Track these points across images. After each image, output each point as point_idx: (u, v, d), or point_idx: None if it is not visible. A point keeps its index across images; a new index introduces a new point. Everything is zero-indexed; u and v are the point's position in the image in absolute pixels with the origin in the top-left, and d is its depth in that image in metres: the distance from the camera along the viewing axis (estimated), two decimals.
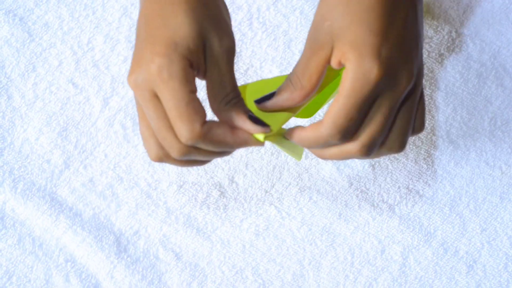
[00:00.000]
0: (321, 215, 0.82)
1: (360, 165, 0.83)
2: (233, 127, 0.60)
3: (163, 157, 0.62)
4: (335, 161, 0.82)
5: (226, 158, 0.82)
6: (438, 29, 0.87)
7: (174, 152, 0.60)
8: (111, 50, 0.84)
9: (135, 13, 0.85)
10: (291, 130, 0.62)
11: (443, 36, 0.86)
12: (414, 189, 0.83)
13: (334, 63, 0.59)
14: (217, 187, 0.82)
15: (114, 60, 0.84)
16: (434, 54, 0.86)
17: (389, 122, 0.60)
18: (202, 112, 0.59)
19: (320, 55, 0.59)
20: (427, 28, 0.86)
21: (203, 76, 0.60)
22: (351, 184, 0.83)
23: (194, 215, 0.81)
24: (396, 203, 0.82)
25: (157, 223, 0.81)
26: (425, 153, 0.84)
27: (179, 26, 0.58)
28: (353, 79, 0.57)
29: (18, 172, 0.81)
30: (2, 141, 0.81)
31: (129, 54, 0.84)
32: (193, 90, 0.58)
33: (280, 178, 0.82)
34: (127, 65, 0.84)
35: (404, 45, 0.59)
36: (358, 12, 0.58)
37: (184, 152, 0.60)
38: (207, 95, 0.61)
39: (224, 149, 0.61)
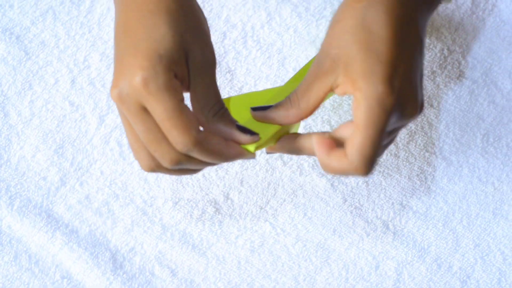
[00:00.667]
0: (315, 231, 0.82)
1: (354, 181, 0.83)
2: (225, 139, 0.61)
3: (155, 167, 0.62)
4: (329, 177, 0.83)
5: (221, 174, 0.83)
6: (431, 46, 0.87)
7: (166, 162, 0.60)
8: (107, 68, 0.85)
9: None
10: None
11: (435, 54, 0.87)
12: (408, 205, 0.83)
13: (339, 92, 0.59)
14: (212, 203, 0.82)
15: (110, 78, 0.84)
16: (426, 71, 0.87)
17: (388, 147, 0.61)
18: (195, 120, 0.59)
19: (323, 81, 0.59)
20: None
21: (187, 89, 0.60)
22: (345, 201, 0.83)
23: (190, 232, 0.81)
24: (390, 219, 0.83)
25: (153, 239, 0.81)
26: (418, 170, 0.84)
27: (162, 38, 0.57)
28: (369, 108, 0.57)
29: (15, 189, 0.81)
30: None
31: None
32: (182, 99, 0.58)
33: (275, 194, 0.83)
34: None
35: (412, 78, 0.59)
36: (366, 42, 0.58)
37: (176, 161, 0.60)
38: (192, 107, 0.60)
39: (217, 160, 0.60)
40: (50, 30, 0.85)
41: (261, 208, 0.82)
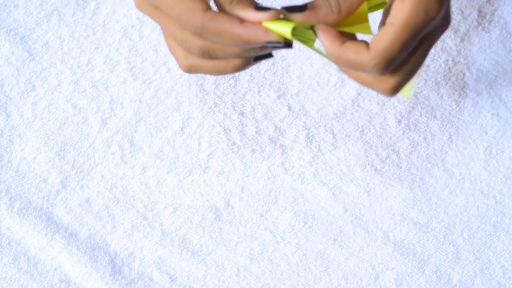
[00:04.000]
0: (315, 240, 0.80)
1: (356, 191, 0.81)
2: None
3: (191, 66, 0.57)
4: (331, 186, 0.81)
5: (222, 181, 0.80)
6: (435, 57, 0.85)
7: (195, 51, 0.55)
8: (111, 71, 0.82)
9: (135, 35, 0.83)
10: (326, 39, 0.55)
11: (440, 65, 0.85)
12: (409, 216, 0.81)
13: None
14: (213, 210, 0.80)
15: (113, 81, 0.82)
16: (430, 82, 0.84)
17: (424, 60, 0.56)
18: (202, 1, 0.54)
19: None
20: None
21: None
22: (346, 210, 0.81)
23: (189, 238, 0.79)
24: (390, 230, 0.80)
25: (152, 245, 0.78)
26: (420, 181, 0.82)
27: None
28: (413, 12, 0.53)
29: (15, 191, 0.79)
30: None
31: (128, 75, 0.82)
32: None
33: (275, 202, 0.80)
34: (126, 86, 0.82)
35: None
36: None
37: (202, 47, 0.55)
38: None
39: (232, 41, 0.53)
40: (55, 32, 0.83)
41: (262, 216, 0.80)
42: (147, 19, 0.83)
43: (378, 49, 0.54)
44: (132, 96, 0.82)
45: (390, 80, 0.56)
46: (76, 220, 0.78)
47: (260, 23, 0.54)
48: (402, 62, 0.56)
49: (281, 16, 0.55)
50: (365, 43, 0.55)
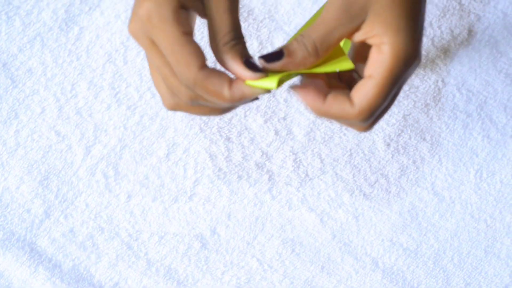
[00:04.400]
0: (303, 268, 0.78)
1: (344, 217, 0.80)
2: (234, 78, 0.54)
3: (176, 105, 0.56)
4: (319, 212, 0.79)
5: (208, 208, 0.79)
6: (425, 78, 0.83)
7: (183, 97, 0.54)
8: (95, 97, 0.81)
9: (119, 60, 0.82)
10: (306, 98, 0.55)
11: (429, 86, 0.83)
12: (398, 242, 0.79)
13: (358, 38, 0.54)
14: (199, 238, 0.78)
15: (97, 107, 0.81)
16: (420, 104, 0.83)
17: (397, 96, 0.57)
18: (199, 55, 0.53)
19: (348, 27, 0.54)
20: (413, 78, 0.83)
21: (203, 15, 0.54)
22: (334, 236, 0.79)
23: (175, 267, 0.78)
24: (379, 256, 0.79)
25: (138, 275, 0.77)
26: (409, 205, 0.80)
27: None
28: (394, 64, 0.53)
29: None
30: None
31: (113, 101, 0.81)
32: (187, 32, 0.52)
33: (262, 229, 0.79)
34: (111, 113, 0.81)
35: (422, 32, 0.56)
36: None
37: (191, 97, 0.54)
38: (208, 35, 0.55)
39: (219, 101, 0.53)
40: (38, 58, 0.82)
41: (248, 244, 0.79)
42: (131, 44, 0.82)
43: (363, 104, 0.54)
44: (117, 123, 0.80)
45: (366, 124, 0.56)
46: (59, 250, 0.77)
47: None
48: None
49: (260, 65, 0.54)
50: (347, 94, 0.55)
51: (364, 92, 0.54)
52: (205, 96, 0.53)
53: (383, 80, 0.53)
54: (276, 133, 0.81)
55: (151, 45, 0.53)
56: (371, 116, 0.55)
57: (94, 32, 0.83)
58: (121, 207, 0.78)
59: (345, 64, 0.56)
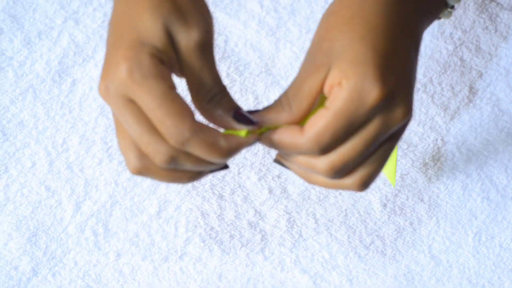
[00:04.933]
0: None
1: (338, 279, 0.78)
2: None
3: (143, 169, 0.54)
4: (312, 274, 0.78)
5: (199, 268, 0.77)
6: (424, 136, 0.81)
7: (161, 158, 0.52)
8: (86, 151, 0.80)
9: (112, 113, 0.81)
10: (268, 131, 0.54)
11: (428, 144, 0.81)
12: None
13: (327, 88, 0.52)
14: None
15: (88, 162, 0.80)
16: (418, 163, 0.81)
17: (368, 152, 0.53)
18: (189, 108, 0.51)
19: (315, 77, 0.53)
20: (412, 136, 0.81)
21: (181, 74, 0.53)
22: None
23: None
24: None
25: None
26: (405, 269, 0.78)
27: (144, 25, 0.51)
28: (348, 97, 0.51)
29: None
30: None
31: (105, 156, 0.80)
32: (172, 87, 0.51)
33: None
34: (102, 168, 0.79)
35: (405, 77, 0.52)
36: (361, 31, 0.52)
37: (171, 157, 0.52)
38: (189, 93, 0.54)
39: (215, 153, 0.52)
40: (30, 110, 0.81)
41: None
42: None
43: (311, 133, 0.52)
44: (108, 178, 0.79)
45: (323, 163, 0.54)
46: None
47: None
48: (339, 145, 0.54)
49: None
50: (300, 126, 0.54)
51: (315, 121, 0.52)
52: (197, 150, 0.52)
53: (334, 113, 0.51)
54: (270, 191, 0.79)
55: (127, 104, 0.51)
56: (321, 148, 0.52)
57: (87, 84, 0.81)
58: (110, 265, 0.77)
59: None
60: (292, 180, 0.79)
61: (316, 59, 0.53)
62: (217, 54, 0.83)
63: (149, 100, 0.51)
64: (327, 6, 0.79)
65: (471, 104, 0.83)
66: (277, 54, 0.83)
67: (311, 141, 0.52)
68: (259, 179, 0.79)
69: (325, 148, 0.53)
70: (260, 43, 0.83)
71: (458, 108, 0.82)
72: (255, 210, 0.79)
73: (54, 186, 0.78)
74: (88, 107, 0.81)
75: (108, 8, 0.84)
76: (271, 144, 0.54)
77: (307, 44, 0.84)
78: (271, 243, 0.78)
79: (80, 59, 0.82)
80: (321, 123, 0.52)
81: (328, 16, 0.55)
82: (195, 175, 0.56)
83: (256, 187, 0.79)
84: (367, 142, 0.53)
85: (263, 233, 0.78)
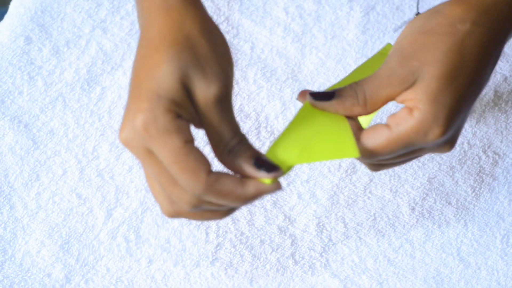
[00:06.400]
0: None
1: (368, 283, 0.79)
2: (243, 177, 0.54)
3: (175, 213, 0.56)
4: (342, 278, 0.79)
5: (230, 273, 0.79)
6: None
7: (185, 206, 0.53)
8: (116, 159, 0.81)
9: None
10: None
11: (455, 148, 0.83)
12: None
13: (399, 99, 0.57)
14: None
15: (119, 169, 0.81)
16: (445, 167, 0.82)
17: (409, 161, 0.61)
18: (204, 161, 0.52)
19: (396, 89, 0.57)
20: None
21: (200, 126, 0.54)
22: None
23: None
24: None
25: None
26: (434, 272, 0.79)
27: (162, 77, 0.51)
28: (413, 128, 0.56)
29: (18, 287, 0.77)
30: (3, 253, 0.78)
31: (134, 163, 0.81)
32: (188, 140, 0.51)
33: None
34: (132, 175, 0.80)
35: (462, 125, 0.58)
36: (454, 69, 0.56)
37: (194, 203, 0.53)
38: (209, 144, 0.54)
39: (234, 201, 0.53)
40: (59, 118, 0.82)
41: None
42: None
43: (368, 145, 0.57)
44: (138, 185, 0.80)
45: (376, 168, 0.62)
46: None
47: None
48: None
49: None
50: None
51: (375, 136, 0.57)
52: (216, 200, 0.53)
53: (396, 136, 0.56)
54: (299, 196, 0.80)
55: (148, 155, 0.52)
56: (372, 157, 0.58)
57: (116, 92, 0.83)
58: (142, 271, 0.78)
59: (351, 153, 0.56)
60: (321, 185, 0.80)
61: (402, 73, 0.56)
62: (244, 61, 0.84)
63: (165, 155, 0.51)
64: (352, 12, 0.81)
65: (496, 108, 0.84)
66: (303, 60, 0.84)
67: (366, 150, 0.57)
68: (288, 184, 0.81)
69: (375, 159, 0.58)
70: (286, 49, 0.85)
71: (484, 111, 0.84)
72: (285, 215, 0.80)
73: (85, 194, 0.80)
74: (117, 115, 0.82)
75: (135, 16, 0.85)
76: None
77: (332, 50, 0.85)
78: (301, 248, 0.79)
79: (109, 67, 0.83)
80: (381, 140, 0.57)
81: (426, 34, 0.57)
82: (229, 211, 0.57)
83: (285, 192, 0.80)
84: (408, 160, 0.61)
85: (293, 237, 0.79)
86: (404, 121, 0.56)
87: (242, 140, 0.54)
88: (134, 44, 0.84)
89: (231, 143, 0.54)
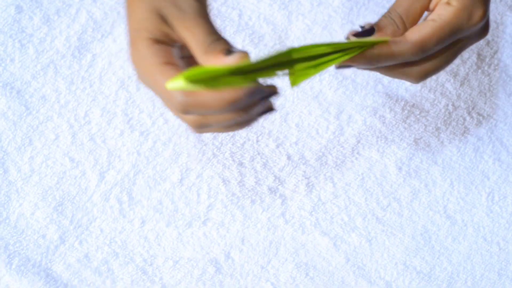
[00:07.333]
0: None
1: (357, 240, 0.81)
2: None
3: (200, 124, 0.59)
4: (332, 236, 0.81)
5: (222, 233, 0.80)
6: (435, 102, 0.85)
7: (190, 125, 0.59)
8: (108, 123, 0.83)
9: (132, 86, 0.84)
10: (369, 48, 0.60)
11: (440, 110, 0.85)
12: (411, 265, 0.81)
13: (432, 5, 0.60)
14: (213, 263, 0.80)
15: (110, 133, 0.82)
16: (430, 128, 0.84)
17: (454, 59, 0.63)
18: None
19: None
20: (423, 102, 0.85)
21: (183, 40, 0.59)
22: (348, 260, 0.80)
23: None
24: (393, 280, 0.80)
25: None
26: (422, 229, 0.82)
27: (139, 14, 0.58)
28: (457, 14, 0.59)
29: (13, 248, 0.79)
30: None
31: (126, 127, 0.83)
32: (164, 62, 0.57)
33: (276, 254, 0.80)
34: (124, 139, 0.82)
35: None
36: None
37: (195, 122, 0.58)
38: (192, 52, 0.58)
39: (219, 107, 0.55)
40: (51, 85, 0.83)
41: (263, 268, 0.80)
42: None
43: (417, 40, 0.59)
44: (130, 149, 0.82)
45: (418, 68, 0.62)
46: (75, 276, 0.78)
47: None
48: (434, 55, 0.62)
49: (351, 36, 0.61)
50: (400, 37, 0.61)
51: (419, 29, 0.59)
52: (202, 110, 0.56)
53: (441, 24, 0.59)
54: (289, 157, 0.82)
55: (147, 85, 0.60)
56: (425, 53, 0.60)
57: (106, 59, 0.84)
58: (136, 232, 0.80)
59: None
60: (310, 146, 0.82)
61: None
62: (232, 28, 0.86)
63: (147, 80, 0.58)
64: None
65: (480, 71, 0.86)
66: (290, 27, 0.87)
67: (416, 46, 0.59)
68: (277, 146, 0.83)
69: (427, 53, 0.60)
70: (273, 16, 0.87)
71: (467, 74, 0.86)
72: (275, 176, 0.82)
73: (78, 157, 0.81)
74: (108, 81, 0.84)
75: None
76: (371, 59, 0.60)
77: (318, 16, 0.87)
78: (291, 207, 0.81)
79: (99, 35, 0.85)
80: (427, 31, 0.59)
81: None
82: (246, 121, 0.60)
83: (275, 154, 0.82)
84: (457, 53, 0.63)
85: (283, 197, 0.81)
86: (446, 11, 0.59)
87: (218, 39, 0.58)
88: (123, 12, 0.86)
89: (210, 38, 0.57)
